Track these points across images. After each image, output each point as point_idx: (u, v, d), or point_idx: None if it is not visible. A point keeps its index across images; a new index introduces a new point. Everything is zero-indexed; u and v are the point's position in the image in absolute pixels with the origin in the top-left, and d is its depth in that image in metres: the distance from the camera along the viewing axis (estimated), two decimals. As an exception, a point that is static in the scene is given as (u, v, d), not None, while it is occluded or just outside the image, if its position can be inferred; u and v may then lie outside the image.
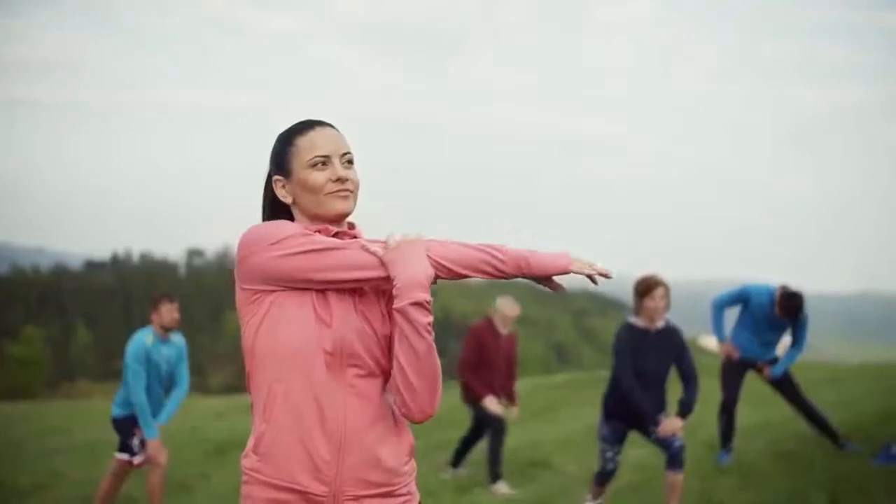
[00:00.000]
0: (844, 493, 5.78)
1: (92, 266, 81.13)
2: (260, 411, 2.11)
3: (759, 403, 8.79)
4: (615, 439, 5.61)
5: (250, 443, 2.14)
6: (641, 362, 5.40)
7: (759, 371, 7.07)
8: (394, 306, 2.05)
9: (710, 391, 6.89)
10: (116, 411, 6.26)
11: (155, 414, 6.20)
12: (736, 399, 7.07)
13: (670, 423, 5.31)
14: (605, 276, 2.18)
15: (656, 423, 5.32)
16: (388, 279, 2.08)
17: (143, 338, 6.15)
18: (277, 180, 2.21)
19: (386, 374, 2.15)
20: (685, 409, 5.40)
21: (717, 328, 7.11)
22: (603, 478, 5.76)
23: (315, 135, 2.17)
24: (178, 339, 6.39)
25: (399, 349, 2.07)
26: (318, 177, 2.14)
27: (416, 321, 2.03)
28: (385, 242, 2.11)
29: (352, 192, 2.18)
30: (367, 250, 2.08)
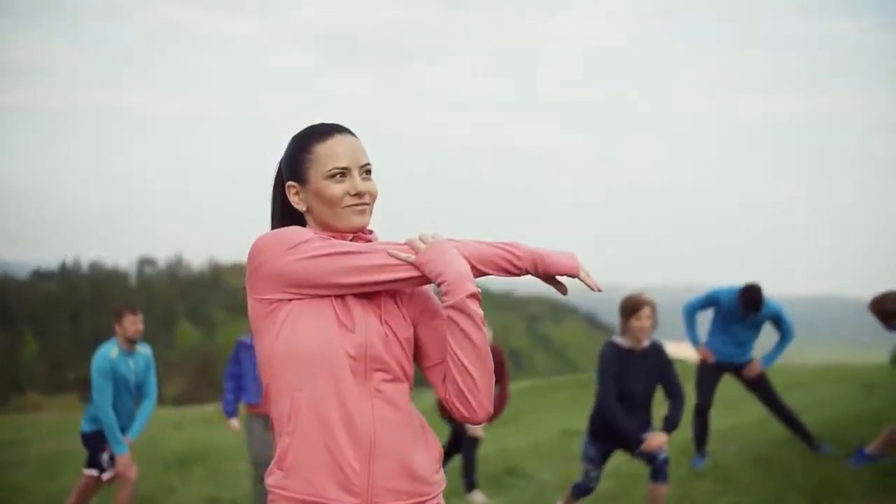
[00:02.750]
0: (823, 495, 5.80)
1: (39, 275, 79.55)
2: (283, 424, 2.02)
3: (731, 407, 8.84)
4: (601, 460, 5.52)
5: (275, 459, 2.05)
6: (628, 385, 5.27)
7: (737, 373, 7.10)
8: (447, 303, 1.99)
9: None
10: (86, 426, 6.09)
11: (126, 427, 6.05)
12: (710, 403, 7.08)
13: (655, 438, 5.21)
14: (595, 289, 2.19)
15: (640, 443, 5.22)
16: (414, 280, 2.04)
17: (108, 351, 5.99)
18: (291, 186, 2.14)
19: (409, 380, 2.10)
20: (670, 426, 5.30)
21: (691, 333, 7.14)
22: (581, 492, 5.68)
23: (335, 143, 2.10)
24: (144, 349, 6.24)
25: (456, 346, 2.01)
26: (337, 189, 2.07)
27: (474, 313, 1.99)
28: (406, 244, 2.05)
29: (369, 204, 2.11)
30: (392, 253, 2.02)
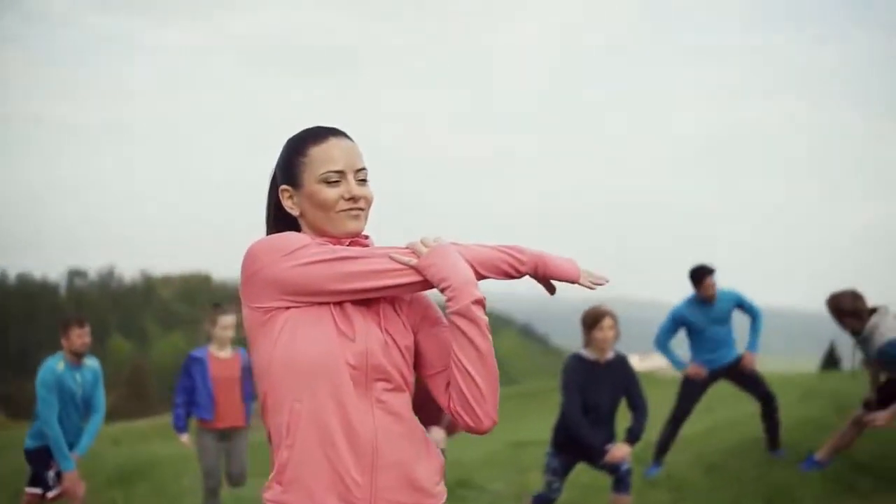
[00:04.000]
0: (778, 501, 5.88)
1: (-36, 288, 77.17)
2: (282, 437, 1.95)
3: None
4: (564, 472, 5.51)
5: (272, 473, 1.98)
6: (594, 397, 5.27)
7: (729, 374, 7.12)
8: (452, 309, 1.93)
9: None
10: (30, 443, 5.88)
11: (73, 443, 5.86)
12: (689, 413, 7.17)
13: (618, 450, 5.22)
14: (601, 283, 2.14)
15: (604, 454, 5.23)
16: (416, 286, 1.98)
17: (54, 365, 5.80)
18: (285, 190, 2.08)
19: (410, 388, 2.05)
20: (633, 437, 5.30)
21: (673, 360, 7.20)
22: (542, 502, 5.67)
23: (330, 147, 2.05)
24: (92, 362, 6.05)
25: (461, 354, 1.95)
26: (331, 193, 2.02)
27: (479, 319, 1.94)
28: (407, 248, 2.00)
29: (363, 209, 2.06)
30: (393, 257, 1.97)
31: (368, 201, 2.07)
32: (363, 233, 2.10)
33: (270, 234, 2.13)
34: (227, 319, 6.77)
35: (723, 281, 7.09)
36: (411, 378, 2.05)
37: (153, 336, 72.55)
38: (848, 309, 5.92)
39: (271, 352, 1.95)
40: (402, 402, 2.01)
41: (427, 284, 1.98)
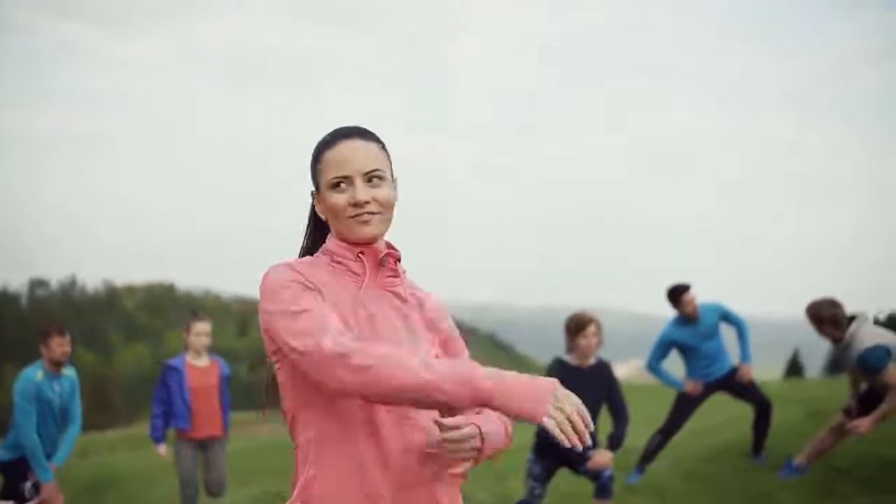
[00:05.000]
0: (759, 507, 5.92)
1: (-78, 298, 75.73)
2: (309, 454, 1.92)
3: (655, 424, 8.95)
4: (545, 477, 5.53)
5: (297, 491, 1.94)
6: None
7: (726, 385, 7.15)
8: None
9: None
10: (5, 454, 5.77)
11: (51, 454, 5.77)
12: (680, 426, 7.20)
13: (601, 457, 5.25)
14: (576, 445, 1.73)
15: (586, 460, 5.25)
16: None
17: (33, 374, 5.71)
18: (314, 195, 2.07)
19: None
20: (615, 444, 5.34)
21: (669, 381, 7.23)
22: None
23: (339, 151, 1.98)
24: (70, 372, 5.98)
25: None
26: (339, 199, 1.97)
27: (502, 445, 2.01)
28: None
29: (375, 213, 1.97)
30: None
31: (381, 203, 1.97)
32: (384, 238, 2.03)
33: (306, 237, 2.13)
34: (202, 326, 6.68)
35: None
36: None
37: (117, 346, 71.71)
38: (827, 317, 5.97)
39: (292, 372, 1.91)
40: (428, 417, 1.96)
41: None
